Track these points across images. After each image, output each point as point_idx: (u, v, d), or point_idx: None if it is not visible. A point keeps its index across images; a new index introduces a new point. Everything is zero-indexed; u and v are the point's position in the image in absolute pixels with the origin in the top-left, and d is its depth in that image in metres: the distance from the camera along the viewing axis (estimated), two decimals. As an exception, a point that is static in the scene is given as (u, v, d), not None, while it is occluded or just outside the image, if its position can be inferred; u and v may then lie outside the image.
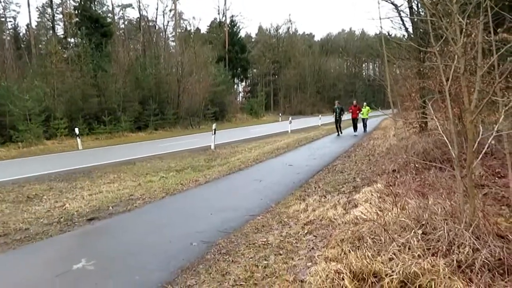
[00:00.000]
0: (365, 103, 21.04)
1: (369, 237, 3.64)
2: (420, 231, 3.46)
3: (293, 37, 72.67)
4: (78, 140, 17.26)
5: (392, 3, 9.30)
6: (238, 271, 3.61)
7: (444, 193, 4.34)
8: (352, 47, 78.01)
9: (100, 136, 22.38)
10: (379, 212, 4.46)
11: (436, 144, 7.40)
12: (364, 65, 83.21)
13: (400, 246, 3.29)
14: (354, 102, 19.44)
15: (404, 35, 12.28)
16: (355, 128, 19.00)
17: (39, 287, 3.55)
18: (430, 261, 3.00)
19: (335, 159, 10.82)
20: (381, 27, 10.23)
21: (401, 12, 10.05)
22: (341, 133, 18.73)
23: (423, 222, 3.64)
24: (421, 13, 10.17)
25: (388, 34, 13.60)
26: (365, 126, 20.43)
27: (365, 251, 3.39)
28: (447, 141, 3.92)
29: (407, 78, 9.55)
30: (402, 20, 10.46)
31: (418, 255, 3.13)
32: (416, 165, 6.47)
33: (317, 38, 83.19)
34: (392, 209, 4.33)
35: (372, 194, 5.49)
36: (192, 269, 3.76)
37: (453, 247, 3.15)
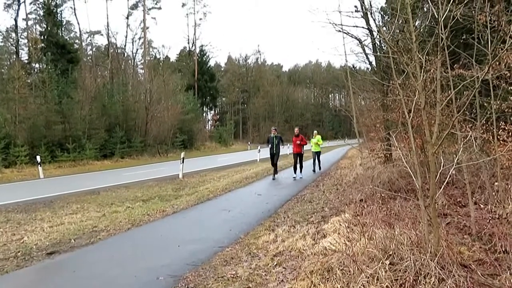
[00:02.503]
0: (315, 132, 15.97)
1: (338, 269, 3.64)
2: (387, 262, 3.50)
3: (261, 67, 74.34)
4: (40, 168, 16.57)
5: (356, 38, 9.71)
6: (206, 306, 3.50)
7: (409, 222, 4.44)
8: (319, 78, 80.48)
9: (63, 164, 21.62)
10: (347, 242, 4.49)
11: (401, 174, 7.63)
12: (330, 95, 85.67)
13: (368, 277, 3.31)
14: (296, 130, 13.53)
15: (368, 68, 12.80)
16: (295, 169, 13.30)
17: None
18: (398, 292, 3.04)
19: (303, 188, 10.90)
20: (346, 60, 10.70)
21: (365, 47, 10.51)
22: (277, 173, 13.48)
23: (390, 253, 3.69)
24: (383, 48, 10.69)
25: (353, 66, 14.12)
26: (317, 162, 15.47)
27: (335, 283, 3.39)
28: (410, 172, 4.05)
29: (372, 109, 9.90)
30: (366, 55, 10.92)
31: (386, 286, 3.16)
32: (382, 195, 6.62)
33: (285, 68, 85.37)
34: (360, 239, 4.38)
35: (340, 224, 5.54)
36: (158, 305, 3.62)
37: (419, 278, 3.20)
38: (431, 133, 3.77)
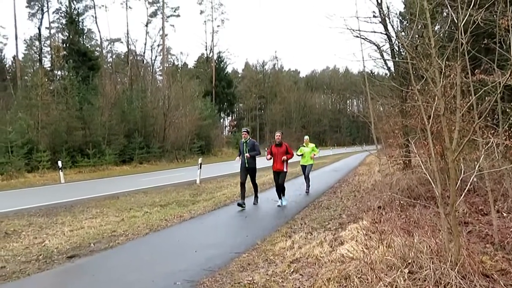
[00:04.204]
0: (306, 137, 11.87)
1: (356, 276, 3.60)
2: (406, 270, 3.45)
3: (278, 73, 74.45)
4: (61, 173, 16.94)
5: (375, 44, 9.64)
6: (223, 312, 3.50)
7: (429, 230, 4.36)
8: (336, 84, 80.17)
9: (83, 169, 22.06)
10: (365, 250, 4.43)
11: (420, 181, 7.51)
12: (348, 101, 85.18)
13: (387, 286, 3.26)
14: (278, 135, 9.21)
15: (386, 74, 12.67)
16: (279, 192, 9.23)
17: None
18: (417, 301, 2.98)
19: (320, 195, 10.83)
20: (364, 66, 10.53)
21: (383, 53, 10.42)
22: (255, 201, 9.50)
23: (409, 261, 3.63)
24: (402, 53, 10.57)
25: (371, 72, 13.99)
26: (307, 180, 11.34)
27: (352, 291, 3.35)
28: (430, 178, 3.98)
29: (391, 115, 9.78)
30: (384, 60, 10.82)
31: (405, 295, 3.11)
32: (401, 202, 6.52)
33: (302, 74, 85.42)
34: (378, 247, 4.32)
35: (358, 231, 5.48)
36: (175, 310, 3.64)
37: (439, 287, 3.14)
38: (451, 139, 3.71)
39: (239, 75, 73.23)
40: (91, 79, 29.67)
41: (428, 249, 3.76)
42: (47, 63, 38.55)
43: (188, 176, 16.59)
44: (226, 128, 58.42)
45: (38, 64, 38.23)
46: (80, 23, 34.84)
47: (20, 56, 41.27)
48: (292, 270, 4.44)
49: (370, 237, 5.08)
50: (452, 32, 5.01)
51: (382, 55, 10.53)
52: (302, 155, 11.44)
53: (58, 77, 33.17)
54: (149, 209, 9.15)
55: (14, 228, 7.46)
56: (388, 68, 11.53)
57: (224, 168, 21.85)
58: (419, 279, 3.30)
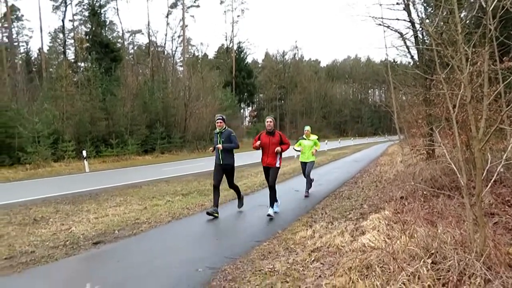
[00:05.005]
0: (307, 128, 9.76)
1: (377, 266, 3.57)
2: (429, 260, 3.40)
3: (299, 63, 73.85)
4: (85, 162, 17.37)
5: (398, 32, 9.43)
6: (244, 299, 3.54)
7: (453, 221, 4.28)
8: (357, 73, 79.00)
9: (107, 159, 22.55)
10: (387, 240, 4.40)
11: (444, 171, 7.35)
12: (370, 91, 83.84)
13: (409, 276, 3.23)
14: (269, 121, 7.29)
15: (409, 62, 12.39)
16: (272, 198, 7.18)
17: (43, 312, 3.50)
18: (440, 291, 2.94)
19: (341, 185, 10.76)
20: (386, 54, 10.31)
21: (406, 40, 10.17)
22: (240, 205, 7.85)
23: (432, 251, 3.58)
24: (426, 41, 10.30)
25: (394, 61, 13.70)
26: (307, 179, 9.39)
27: (374, 280, 3.33)
28: (455, 168, 3.90)
29: (414, 104, 9.58)
30: (408, 48, 10.57)
31: (428, 286, 3.07)
32: (424, 193, 6.41)
33: (323, 64, 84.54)
34: (401, 237, 4.27)
35: (380, 221, 5.42)
36: (197, 296, 3.70)
37: (464, 278, 3.09)
38: (477, 128, 3.61)
39: (259, 65, 72.97)
40: (114, 70, 30.15)
41: (452, 239, 3.70)
42: (71, 55, 39.54)
43: (209, 166, 16.58)
44: (246, 118, 58.64)
45: (62, 56, 39.18)
46: (102, 15, 35.36)
47: (45, 48, 42.36)
48: (313, 258, 4.45)
49: (392, 227, 5.03)
50: (480, 18, 4.85)
51: (405, 43, 10.30)
52: (300, 150, 9.66)
53: (81, 69, 33.86)
54: (171, 198, 9.29)
55: (42, 215, 7.71)
56: (412, 56, 11.27)
57: (244, 158, 21.91)
58: (442, 270, 3.26)
